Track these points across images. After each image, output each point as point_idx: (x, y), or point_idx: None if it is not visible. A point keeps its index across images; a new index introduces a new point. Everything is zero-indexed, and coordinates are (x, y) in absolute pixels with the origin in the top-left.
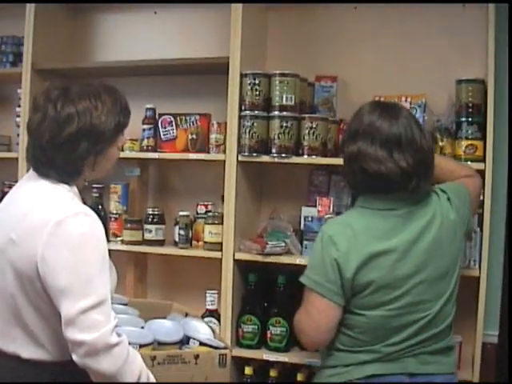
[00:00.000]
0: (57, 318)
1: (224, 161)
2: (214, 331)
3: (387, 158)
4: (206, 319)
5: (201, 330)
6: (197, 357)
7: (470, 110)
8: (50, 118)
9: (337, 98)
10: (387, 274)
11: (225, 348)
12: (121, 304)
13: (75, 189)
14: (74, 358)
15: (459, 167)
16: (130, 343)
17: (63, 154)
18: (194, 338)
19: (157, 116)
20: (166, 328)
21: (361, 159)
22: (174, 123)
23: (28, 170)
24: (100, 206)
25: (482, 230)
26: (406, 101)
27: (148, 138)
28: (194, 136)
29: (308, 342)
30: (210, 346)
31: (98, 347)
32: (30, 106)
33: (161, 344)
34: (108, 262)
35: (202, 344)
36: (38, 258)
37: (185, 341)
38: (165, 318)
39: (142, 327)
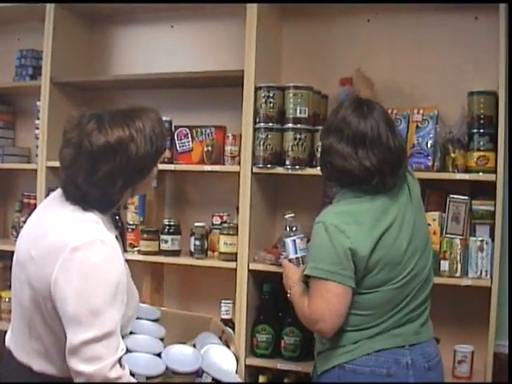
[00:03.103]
0: None
1: (239, 172)
2: (238, 361)
3: (351, 155)
4: None
5: (223, 360)
6: None
7: (482, 121)
8: (84, 154)
9: None
10: (390, 250)
11: None
12: (150, 320)
13: (106, 214)
14: None
15: None
16: (136, 374)
17: (99, 190)
18: (207, 373)
19: (173, 128)
20: (183, 356)
21: (330, 154)
22: (189, 135)
23: (47, 183)
24: (117, 217)
25: (493, 241)
26: (418, 113)
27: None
28: (210, 148)
29: (328, 327)
30: (222, 383)
31: (95, 380)
32: (49, 125)
33: (174, 373)
34: (122, 294)
35: (214, 379)
36: (51, 280)
37: (200, 372)
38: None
39: (160, 353)
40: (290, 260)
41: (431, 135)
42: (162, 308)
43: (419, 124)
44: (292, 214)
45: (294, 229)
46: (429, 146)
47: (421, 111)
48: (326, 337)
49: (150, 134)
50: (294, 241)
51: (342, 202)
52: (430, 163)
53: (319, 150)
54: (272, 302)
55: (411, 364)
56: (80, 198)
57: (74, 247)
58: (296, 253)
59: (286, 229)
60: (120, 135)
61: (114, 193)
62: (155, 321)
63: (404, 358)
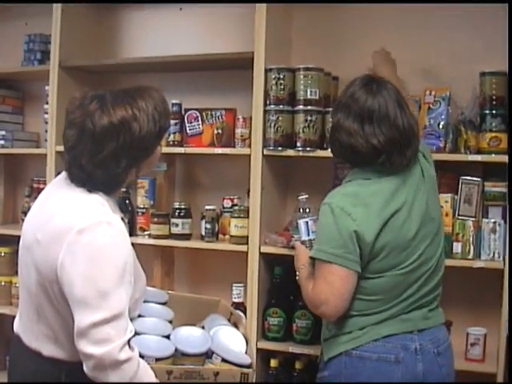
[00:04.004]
0: None
1: (249, 155)
2: (247, 342)
3: (358, 132)
4: None
5: (232, 341)
6: (216, 374)
7: (494, 102)
8: (87, 135)
9: None
10: (398, 235)
11: (248, 367)
12: (158, 303)
13: (112, 195)
14: (84, 368)
15: None
16: (145, 356)
17: (104, 171)
18: (216, 354)
19: (183, 111)
20: (192, 338)
21: (337, 130)
22: (199, 118)
23: (56, 168)
24: (127, 201)
25: (506, 223)
26: (430, 94)
27: (174, 133)
28: (220, 131)
29: (332, 310)
30: (233, 363)
31: (105, 362)
32: (58, 109)
33: (184, 355)
34: (130, 275)
35: (224, 360)
36: (58, 263)
37: (210, 353)
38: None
39: (168, 335)
40: (303, 242)
41: (443, 116)
42: (170, 291)
43: (431, 105)
44: (305, 196)
45: (308, 210)
46: (441, 127)
47: (433, 92)
48: (329, 320)
49: (153, 113)
50: (307, 222)
51: (351, 184)
52: (441, 145)
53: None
54: (283, 285)
55: (420, 349)
56: (85, 179)
57: (79, 229)
58: (308, 235)
59: (299, 210)
60: (123, 115)
61: (119, 173)
62: (163, 304)
63: (413, 344)
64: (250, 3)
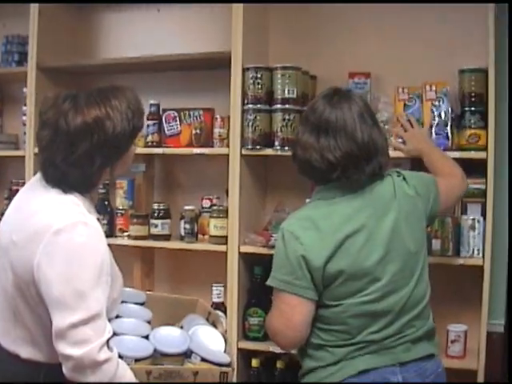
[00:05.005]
0: None
1: (228, 155)
2: (226, 341)
3: (312, 145)
4: None
5: (211, 340)
6: (196, 374)
7: (473, 99)
8: (61, 135)
9: (371, 93)
10: (355, 260)
11: (227, 366)
12: (137, 303)
13: (87, 196)
14: (63, 370)
15: (445, 167)
16: (124, 357)
17: (78, 170)
18: (195, 353)
19: (161, 112)
20: (171, 338)
21: (295, 145)
22: (177, 118)
23: (35, 170)
24: (106, 202)
25: (485, 219)
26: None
27: (152, 133)
28: (198, 131)
29: (284, 341)
30: (212, 363)
31: (84, 363)
32: (36, 111)
33: (163, 355)
34: (106, 275)
35: (203, 359)
36: (34, 265)
37: (189, 353)
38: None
39: (147, 335)
40: None
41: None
42: (148, 292)
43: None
44: None
45: None
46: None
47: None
48: (285, 350)
49: (127, 112)
50: None
51: (308, 206)
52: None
53: None
54: (263, 284)
55: (403, 383)
56: (59, 179)
57: (56, 230)
58: None
59: None
60: (96, 113)
61: (93, 172)
62: (141, 304)
63: (394, 377)
64: (227, 3)
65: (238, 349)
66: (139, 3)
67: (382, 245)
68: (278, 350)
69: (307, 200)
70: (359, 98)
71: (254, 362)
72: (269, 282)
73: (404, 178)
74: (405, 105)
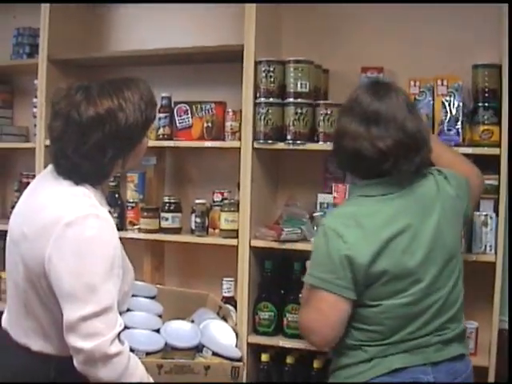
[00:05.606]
0: None
1: (239, 148)
2: (237, 336)
3: (363, 135)
4: None
5: (222, 335)
6: (207, 368)
7: (486, 94)
8: (73, 125)
9: None
10: (400, 260)
11: (239, 360)
12: (148, 297)
13: (98, 188)
14: (74, 363)
15: (460, 162)
16: (135, 350)
17: (90, 161)
18: (207, 347)
19: (172, 105)
20: (182, 331)
21: (341, 136)
22: (189, 111)
23: (46, 162)
24: (117, 195)
25: (497, 216)
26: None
27: (164, 126)
28: (210, 124)
29: (320, 340)
30: (223, 357)
31: (95, 356)
32: (47, 103)
33: (174, 349)
34: (118, 268)
35: (215, 353)
36: (45, 257)
37: (200, 347)
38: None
39: (158, 329)
40: None
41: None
42: (158, 286)
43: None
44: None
45: None
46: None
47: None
48: (320, 349)
49: (139, 103)
50: None
51: (349, 202)
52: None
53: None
54: (274, 279)
55: (434, 383)
56: (71, 170)
57: (67, 222)
58: None
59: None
60: (109, 105)
61: (105, 164)
62: (152, 298)
63: (425, 377)
64: (240, 3)
65: (248, 343)
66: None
67: (425, 245)
68: (288, 344)
69: (319, 195)
70: (401, 89)
71: (264, 357)
72: (306, 280)
73: (446, 177)
74: (415, 99)
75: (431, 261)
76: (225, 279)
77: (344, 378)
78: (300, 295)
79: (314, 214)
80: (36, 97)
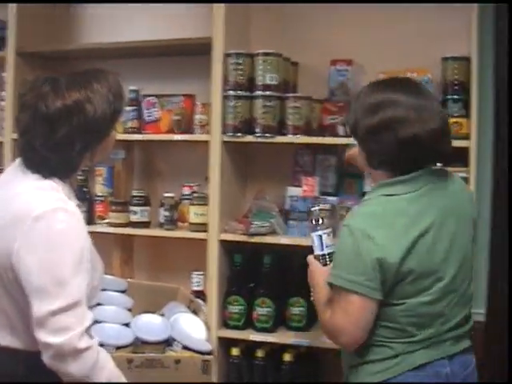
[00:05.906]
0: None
1: (208, 141)
2: (208, 329)
3: (415, 119)
4: None
5: (192, 328)
6: (178, 362)
7: (456, 87)
8: (40, 118)
9: (353, 81)
10: (425, 259)
11: (209, 354)
12: (117, 291)
13: (66, 181)
14: (43, 358)
15: None
16: (105, 344)
17: (58, 154)
18: (177, 341)
19: (140, 98)
20: (152, 325)
21: (390, 126)
22: (157, 104)
23: (14, 155)
24: (85, 189)
25: None
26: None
27: (132, 119)
28: (178, 117)
29: (349, 340)
30: (194, 351)
31: (65, 351)
32: (15, 97)
33: (144, 343)
34: (87, 262)
35: (185, 347)
36: (13, 251)
37: (170, 341)
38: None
39: (128, 323)
40: (316, 257)
41: None
42: (128, 279)
43: None
44: (318, 207)
45: (320, 222)
46: None
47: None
48: (348, 350)
49: (107, 95)
50: (320, 236)
51: (373, 202)
52: None
53: (360, 135)
54: (243, 272)
55: (451, 374)
56: (39, 164)
57: (35, 216)
58: (322, 249)
59: (311, 222)
60: (77, 97)
61: (73, 157)
62: (122, 292)
63: (444, 369)
64: (208, 3)
65: (218, 337)
66: None
67: (447, 244)
68: (258, 338)
69: (289, 188)
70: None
71: (234, 351)
72: (333, 281)
73: (466, 182)
74: None
75: (450, 260)
76: (194, 273)
77: (368, 373)
78: (311, 296)
79: (312, 209)
80: (4, 90)
